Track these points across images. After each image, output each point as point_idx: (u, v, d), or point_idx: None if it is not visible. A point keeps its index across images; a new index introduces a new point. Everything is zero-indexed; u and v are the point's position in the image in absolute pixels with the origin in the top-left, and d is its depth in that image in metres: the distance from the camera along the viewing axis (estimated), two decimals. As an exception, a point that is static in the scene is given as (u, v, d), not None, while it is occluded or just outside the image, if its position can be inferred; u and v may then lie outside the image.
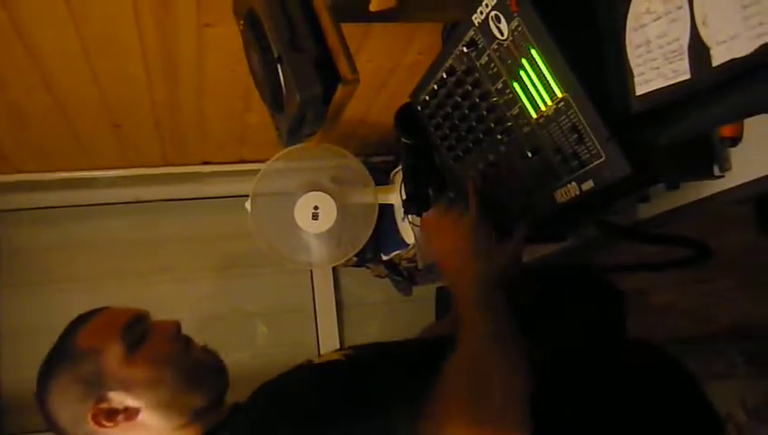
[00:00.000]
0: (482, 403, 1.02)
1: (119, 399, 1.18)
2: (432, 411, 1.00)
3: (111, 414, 1.18)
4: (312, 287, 2.98)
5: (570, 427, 1.17)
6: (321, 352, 1.27)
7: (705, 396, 1.35)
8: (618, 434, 1.21)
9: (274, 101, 1.23)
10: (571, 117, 1.08)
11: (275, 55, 1.17)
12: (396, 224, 2.46)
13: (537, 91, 1.14)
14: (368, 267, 2.81)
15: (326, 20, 1.17)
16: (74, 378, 1.20)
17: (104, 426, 1.18)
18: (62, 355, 1.23)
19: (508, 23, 1.13)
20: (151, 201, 2.92)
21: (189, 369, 1.25)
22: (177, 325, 1.30)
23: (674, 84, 0.86)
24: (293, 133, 1.28)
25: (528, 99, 1.17)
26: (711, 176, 1.15)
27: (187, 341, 1.30)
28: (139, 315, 1.28)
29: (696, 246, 1.29)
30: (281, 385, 1.16)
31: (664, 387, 1.34)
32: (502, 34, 1.15)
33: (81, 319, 1.28)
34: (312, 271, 2.96)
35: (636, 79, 0.93)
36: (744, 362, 2.26)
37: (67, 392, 1.20)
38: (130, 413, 1.19)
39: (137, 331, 1.24)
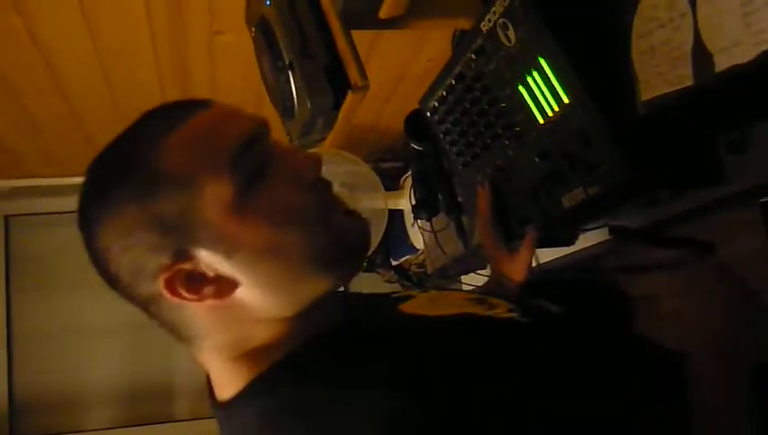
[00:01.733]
0: None
1: (209, 260, 0.76)
2: None
3: (194, 281, 0.76)
4: (323, 292, 2.99)
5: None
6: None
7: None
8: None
9: (285, 107, 1.24)
10: (578, 122, 1.09)
11: (286, 62, 1.19)
12: (405, 229, 2.47)
13: (544, 96, 1.15)
14: (377, 272, 2.82)
15: (336, 27, 1.18)
16: (149, 215, 0.75)
17: (180, 296, 0.75)
18: (134, 174, 0.77)
19: (515, 30, 1.14)
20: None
21: (326, 240, 0.81)
22: (318, 161, 0.85)
23: (678, 90, 0.87)
24: (304, 139, 1.29)
25: (535, 104, 1.18)
26: (716, 181, 1.16)
27: (328, 192, 0.87)
28: (259, 133, 0.81)
29: (705, 248, 1.30)
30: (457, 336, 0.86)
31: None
32: (509, 41, 1.17)
33: (170, 117, 0.82)
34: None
35: (641, 84, 0.94)
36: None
37: (133, 234, 0.76)
38: (222, 286, 0.77)
39: (254, 159, 0.78)
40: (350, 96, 1.15)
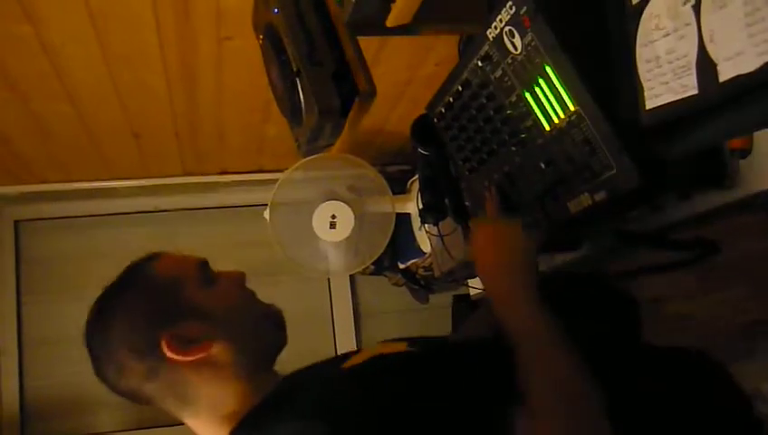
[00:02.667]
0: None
1: (195, 327, 1.10)
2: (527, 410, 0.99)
3: (187, 343, 1.08)
4: (330, 295, 3.01)
5: None
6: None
7: (733, 380, 1.35)
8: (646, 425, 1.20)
9: (293, 113, 1.25)
10: (584, 129, 1.10)
11: (294, 69, 1.20)
12: (413, 233, 2.48)
13: (550, 104, 1.16)
14: (385, 275, 2.83)
15: (344, 34, 1.19)
16: (149, 303, 1.11)
17: (179, 354, 1.07)
18: (133, 281, 1.16)
19: (522, 37, 1.15)
20: (170, 210, 2.96)
21: (258, 315, 1.21)
22: (244, 275, 1.25)
23: (683, 99, 0.88)
24: (311, 144, 1.30)
25: (541, 112, 1.19)
26: (722, 187, 1.17)
27: (253, 292, 1.25)
28: (206, 260, 1.22)
29: (710, 247, 1.30)
30: (361, 370, 1.11)
31: (690, 373, 1.34)
32: (516, 49, 1.18)
33: (148, 257, 1.21)
34: (329, 279, 2.99)
35: (646, 93, 0.94)
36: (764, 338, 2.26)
37: (138, 316, 1.10)
38: (205, 344, 1.09)
39: (208, 270, 1.19)
40: (357, 103, 1.16)
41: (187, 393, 1.10)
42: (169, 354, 1.07)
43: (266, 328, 1.21)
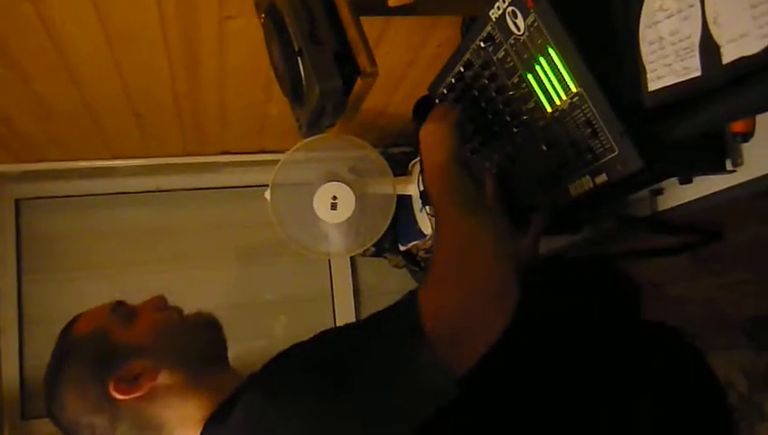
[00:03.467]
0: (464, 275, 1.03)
1: (135, 364, 1.16)
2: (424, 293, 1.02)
3: (133, 381, 1.14)
4: (331, 277, 3.01)
5: (576, 402, 1.18)
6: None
7: (708, 366, 1.36)
8: (622, 405, 1.22)
9: (295, 93, 1.25)
10: (586, 111, 1.10)
11: (296, 48, 1.19)
12: (414, 215, 2.47)
13: (552, 85, 1.15)
14: (385, 257, 2.83)
15: (346, 13, 1.19)
16: (86, 362, 1.17)
17: (129, 393, 1.14)
18: (65, 351, 1.22)
19: (524, 18, 1.15)
20: (172, 190, 2.95)
21: (188, 328, 1.26)
22: (162, 297, 1.31)
23: (685, 81, 0.88)
24: (313, 124, 1.30)
25: (543, 93, 1.19)
26: (723, 170, 1.16)
27: (177, 308, 1.31)
28: (117, 301, 1.28)
29: (711, 234, 1.31)
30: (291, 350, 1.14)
31: (668, 358, 1.35)
32: (518, 30, 1.17)
33: (68, 324, 1.27)
34: (330, 260, 2.99)
35: (648, 75, 0.94)
36: (746, 337, 2.29)
37: (82, 379, 1.17)
38: (150, 374, 1.15)
39: (123, 309, 1.25)
40: (359, 82, 1.16)
41: (153, 423, 1.16)
42: (120, 397, 1.13)
43: (200, 337, 1.26)
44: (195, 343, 1.23)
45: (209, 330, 1.29)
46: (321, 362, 1.03)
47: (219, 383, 1.18)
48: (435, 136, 1.31)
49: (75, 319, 1.26)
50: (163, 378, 1.16)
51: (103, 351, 1.17)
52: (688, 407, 1.28)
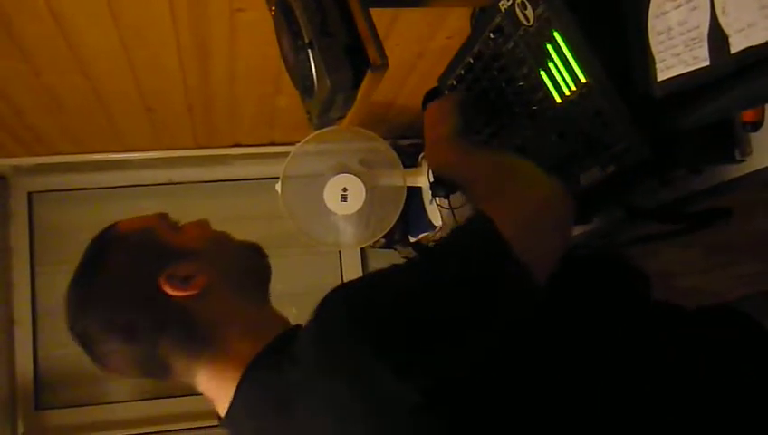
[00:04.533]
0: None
1: (183, 266, 1.10)
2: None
3: (185, 280, 1.09)
4: (341, 268, 3.02)
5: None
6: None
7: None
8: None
9: (305, 85, 1.25)
10: (595, 102, 1.10)
11: (306, 41, 1.20)
12: (424, 206, 2.48)
13: (562, 76, 1.16)
14: (395, 249, 2.83)
15: (356, 5, 1.19)
16: (133, 254, 1.12)
17: (179, 289, 1.08)
18: (105, 246, 1.16)
19: (534, 9, 1.15)
20: (183, 183, 2.97)
21: (237, 245, 1.25)
22: (207, 221, 1.27)
23: (694, 71, 0.88)
24: (323, 117, 1.30)
25: (553, 84, 1.19)
26: (733, 160, 1.16)
27: (225, 233, 1.27)
28: (165, 213, 1.26)
29: (720, 212, 1.29)
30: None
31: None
32: (527, 21, 1.18)
33: (103, 230, 1.21)
34: (340, 252, 3.00)
35: (657, 65, 0.94)
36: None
37: (128, 271, 1.11)
38: (199, 278, 1.10)
39: (170, 219, 1.23)
40: (369, 75, 1.16)
41: (198, 331, 1.09)
42: (172, 292, 1.07)
43: (249, 255, 1.24)
44: (242, 259, 1.21)
45: (257, 253, 1.26)
46: (403, 277, 1.00)
47: (262, 311, 1.18)
48: (438, 113, 1.32)
49: (114, 224, 1.21)
50: (211, 282, 1.11)
51: (154, 246, 1.13)
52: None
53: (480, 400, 0.95)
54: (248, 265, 1.21)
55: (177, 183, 2.96)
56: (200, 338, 1.09)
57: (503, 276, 0.94)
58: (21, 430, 2.72)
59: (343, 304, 0.96)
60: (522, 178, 1.07)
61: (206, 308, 1.09)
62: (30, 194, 2.86)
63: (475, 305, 0.92)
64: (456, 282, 0.94)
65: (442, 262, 0.98)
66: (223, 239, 1.24)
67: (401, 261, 2.86)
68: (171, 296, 1.07)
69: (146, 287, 1.08)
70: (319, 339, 0.95)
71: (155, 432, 2.75)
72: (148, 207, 2.84)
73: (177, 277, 1.08)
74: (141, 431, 2.76)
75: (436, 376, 0.89)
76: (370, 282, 1.07)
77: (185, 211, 2.90)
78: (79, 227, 2.84)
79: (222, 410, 1.08)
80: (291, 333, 1.08)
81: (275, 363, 1.01)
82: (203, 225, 1.25)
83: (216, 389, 1.09)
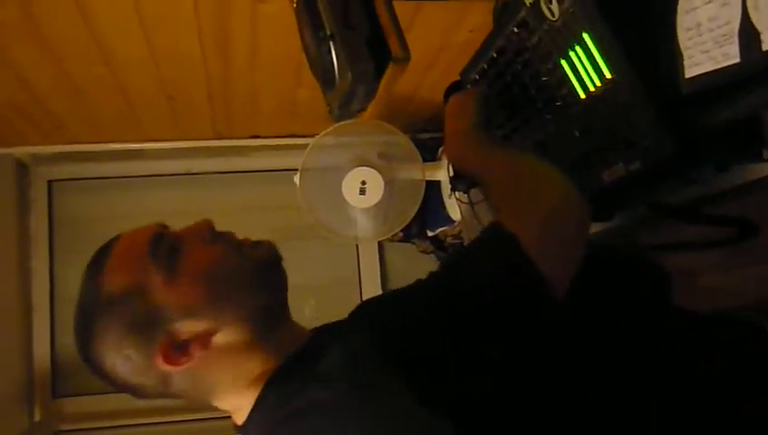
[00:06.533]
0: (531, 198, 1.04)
1: (184, 328, 0.99)
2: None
3: (183, 348, 0.99)
4: (358, 261, 3.02)
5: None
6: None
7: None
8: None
9: (326, 77, 1.25)
10: (620, 98, 1.09)
11: (328, 33, 1.19)
12: (442, 201, 2.47)
13: (586, 71, 1.14)
14: (413, 243, 2.83)
15: (378, -2, 1.18)
16: (123, 329, 0.99)
17: (179, 363, 0.99)
18: (95, 312, 1.02)
19: (559, 3, 1.13)
20: (202, 173, 2.97)
21: (246, 268, 1.06)
22: (208, 224, 1.11)
23: (723, 68, 0.87)
24: (343, 109, 1.30)
25: (577, 79, 1.17)
26: (760, 159, 1.15)
27: (229, 238, 1.11)
28: (159, 231, 1.07)
29: (747, 225, 1.28)
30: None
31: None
32: (553, 15, 1.16)
33: (98, 260, 1.06)
34: (357, 245, 3.00)
35: (685, 62, 0.93)
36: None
37: (122, 347, 0.99)
38: (203, 339, 0.99)
39: (165, 247, 1.03)
40: (391, 67, 1.15)
41: (207, 385, 1.04)
42: (168, 368, 0.99)
43: (260, 281, 1.07)
44: (254, 291, 1.05)
45: (270, 268, 1.10)
46: (428, 297, 1.00)
47: (282, 336, 1.07)
48: (459, 106, 1.31)
49: (99, 262, 1.06)
50: (218, 339, 1.01)
51: (143, 315, 0.99)
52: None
53: (504, 407, 0.94)
54: (264, 294, 1.07)
55: (195, 173, 2.96)
56: (207, 391, 1.05)
57: (530, 300, 0.94)
58: (38, 417, 2.73)
59: (371, 329, 0.97)
60: (538, 182, 1.06)
61: (209, 370, 1.02)
62: (50, 182, 2.87)
63: (503, 331, 0.93)
64: (484, 309, 0.93)
65: (469, 284, 0.97)
66: (227, 268, 1.05)
67: (419, 254, 2.86)
68: (169, 369, 1.00)
69: (142, 361, 1.00)
70: (349, 364, 0.92)
71: (172, 421, 2.77)
72: (166, 197, 2.89)
73: (173, 346, 0.99)
74: (158, 420, 2.77)
75: (465, 401, 0.89)
76: (397, 304, 1.06)
77: (203, 202, 2.93)
78: (98, 216, 2.87)
79: (239, 420, 1.04)
80: (311, 346, 1.04)
81: (296, 378, 0.98)
82: (205, 236, 1.09)
83: (233, 407, 1.06)
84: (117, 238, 1.09)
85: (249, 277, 1.05)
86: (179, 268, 1.01)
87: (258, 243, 1.12)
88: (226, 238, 1.10)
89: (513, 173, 1.11)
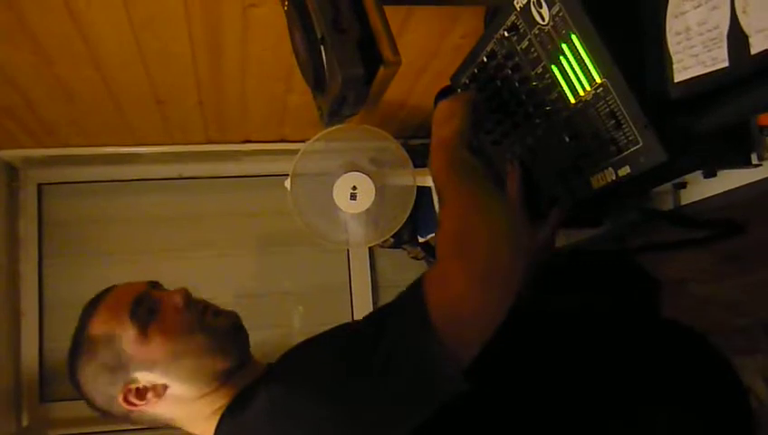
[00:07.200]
0: (472, 253, 1.02)
1: (144, 378, 1.19)
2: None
3: (140, 393, 1.19)
4: (349, 267, 3.01)
5: (594, 398, 1.17)
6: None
7: (733, 369, 1.34)
8: (642, 406, 1.20)
9: (317, 81, 1.25)
10: (610, 102, 1.09)
11: (319, 36, 1.19)
12: (433, 207, 2.47)
13: (576, 76, 1.14)
14: (404, 249, 2.82)
15: (369, 1, 1.18)
16: (98, 367, 1.21)
17: (136, 405, 1.20)
18: (81, 347, 1.23)
19: (549, 8, 1.13)
20: (193, 178, 2.97)
21: (205, 337, 1.22)
22: (184, 294, 1.26)
23: (712, 72, 0.87)
24: (334, 114, 1.30)
25: (567, 84, 1.18)
26: (749, 164, 1.15)
27: (200, 307, 1.27)
28: (144, 292, 1.25)
29: (733, 228, 1.29)
30: (309, 345, 1.14)
31: (691, 360, 1.33)
32: (543, 19, 1.16)
33: (92, 305, 1.26)
34: (348, 251, 2.99)
35: (675, 66, 0.93)
36: (766, 337, 2.25)
37: (96, 380, 1.21)
38: (158, 390, 1.19)
39: (144, 309, 1.21)
40: (381, 71, 1.15)
41: (162, 423, 1.26)
42: (127, 407, 1.21)
43: (220, 342, 1.23)
44: (210, 357, 1.21)
45: (228, 336, 1.25)
46: (339, 354, 1.04)
47: (237, 380, 1.21)
48: (447, 112, 1.30)
49: (93, 307, 1.25)
50: (172, 391, 1.20)
51: (114, 360, 1.19)
52: (710, 415, 1.26)
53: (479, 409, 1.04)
54: (220, 359, 1.22)
55: (186, 178, 2.96)
56: (168, 423, 1.26)
57: (421, 357, 0.97)
58: (25, 422, 2.72)
59: (289, 382, 1.08)
60: (482, 235, 1.04)
61: (163, 411, 1.23)
62: (40, 186, 2.86)
63: (402, 401, 0.99)
64: (380, 356, 0.99)
65: (375, 359, 1.00)
66: (190, 339, 1.22)
67: (410, 260, 2.86)
68: (132, 407, 1.21)
69: (108, 395, 1.21)
70: (268, 417, 1.06)
71: (159, 427, 2.75)
72: (157, 201, 2.88)
73: (134, 391, 1.20)
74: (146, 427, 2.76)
75: None
76: (312, 362, 1.11)
77: (195, 207, 2.92)
78: (88, 220, 2.86)
79: None
80: (247, 392, 1.16)
81: (232, 424, 1.14)
82: (178, 304, 1.24)
83: (201, 432, 1.22)
84: (112, 288, 1.29)
85: (206, 346, 1.22)
86: (151, 330, 1.20)
87: (220, 312, 1.28)
88: (199, 307, 1.26)
89: (462, 214, 1.08)
